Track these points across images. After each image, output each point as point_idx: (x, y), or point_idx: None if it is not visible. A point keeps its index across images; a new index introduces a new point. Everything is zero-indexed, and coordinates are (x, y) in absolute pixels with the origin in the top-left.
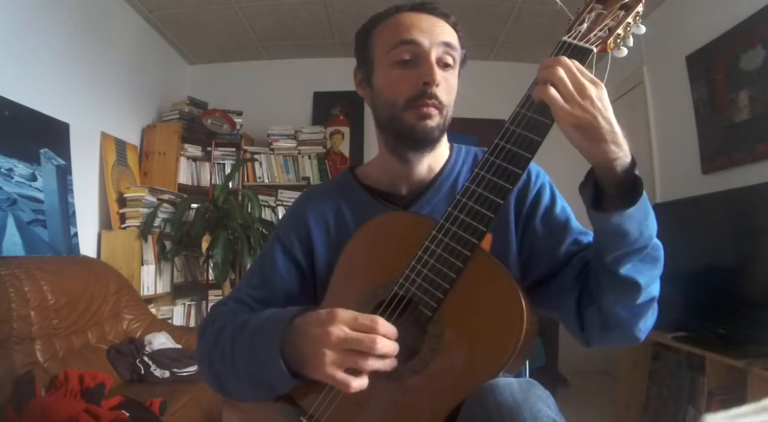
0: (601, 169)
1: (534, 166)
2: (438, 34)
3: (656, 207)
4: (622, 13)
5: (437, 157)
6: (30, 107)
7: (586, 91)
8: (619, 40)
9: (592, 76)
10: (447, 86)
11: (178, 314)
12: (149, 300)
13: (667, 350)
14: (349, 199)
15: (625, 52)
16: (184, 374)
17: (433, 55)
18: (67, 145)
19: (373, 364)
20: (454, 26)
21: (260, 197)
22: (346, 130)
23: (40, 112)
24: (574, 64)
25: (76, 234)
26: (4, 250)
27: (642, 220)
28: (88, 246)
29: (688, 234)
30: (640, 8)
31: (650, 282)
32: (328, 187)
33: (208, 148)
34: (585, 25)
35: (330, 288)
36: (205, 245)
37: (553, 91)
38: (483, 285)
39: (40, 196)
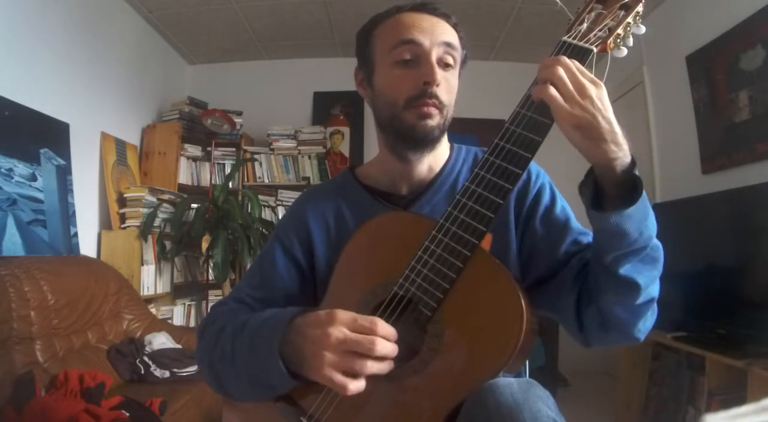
0: (601, 169)
1: (534, 166)
2: (439, 34)
3: (656, 207)
4: (622, 13)
5: (437, 157)
6: (30, 107)
7: (586, 90)
8: (619, 40)
9: (591, 75)
10: (447, 86)
11: (178, 314)
12: (149, 300)
13: (667, 350)
14: (349, 198)
15: (625, 52)
16: (184, 374)
17: (434, 55)
18: (67, 145)
19: (372, 367)
20: (455, 27)
21: (260, 197)
22: (346, 130)
23: (40, 112)
24: (573, 64)
25: (76, 235)
26: (4, 250)
27: (642, 220)
28: (88, 247)
29: (688, 234)
30: (640, 8)
31: (650, 282)
32: (328, 187)
33: (208, 148)
34: (585, 25)
35: (330, 288)
36: (205, 245)
37: (552, 90)
38: (483, 285)
39: (40, 196)
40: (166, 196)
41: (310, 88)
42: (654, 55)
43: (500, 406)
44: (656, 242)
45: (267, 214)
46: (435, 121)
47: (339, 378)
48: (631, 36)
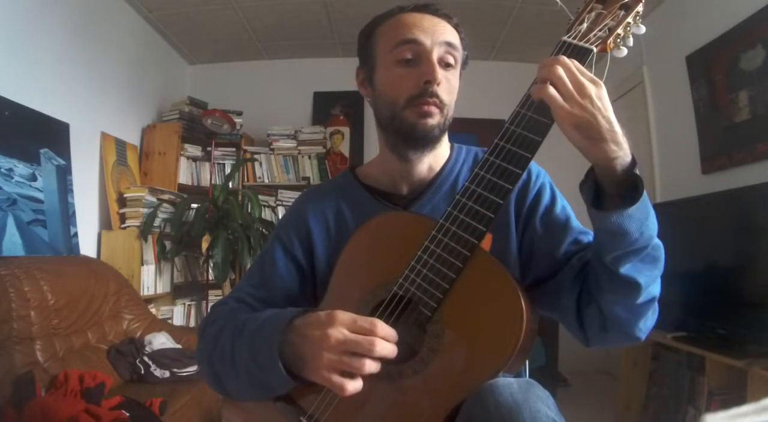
0: (601, 168)
1: (534, 166)
2: (440, 34)
3: (656, 207)
4: (622, 12)
5: (438, 157)
6: (30, 107)
7: (586, 90)
8: (619, 40)
9: (591, 75)
10: (448, 86)
11: (178, 314)
12: (149, 300)
13: (667, 350)
14: (350, 198)
15: (624, 51)
16: (184, 374)
17: (435, 55)
18: (67, 145)
19: (370, 367)
20: (456, 27)
21: (260, 197)
22: (346, 130)
23: (40, 112)
24: (573, 64)
25: (76, 234)
26: (4, 250)
27: (642, 220)
28: (88, 246)
29: (688, 235)
30: (640, 8)
31: (650, 282)
32: (328, 186)
33: (208, 148)
34: (585, 25)
35: (330, 288)
36: (205, 245)
37: (552, 90)
38: (483, 285)
39: (40, 196)
40: (166, 196)
41: (310, 88)
42: (654, 55)
43: (500, 406)
44: (657, 242)
45: (267, 214)
46: (435, 120)
47: (337, 378)
48: (631, 36)
